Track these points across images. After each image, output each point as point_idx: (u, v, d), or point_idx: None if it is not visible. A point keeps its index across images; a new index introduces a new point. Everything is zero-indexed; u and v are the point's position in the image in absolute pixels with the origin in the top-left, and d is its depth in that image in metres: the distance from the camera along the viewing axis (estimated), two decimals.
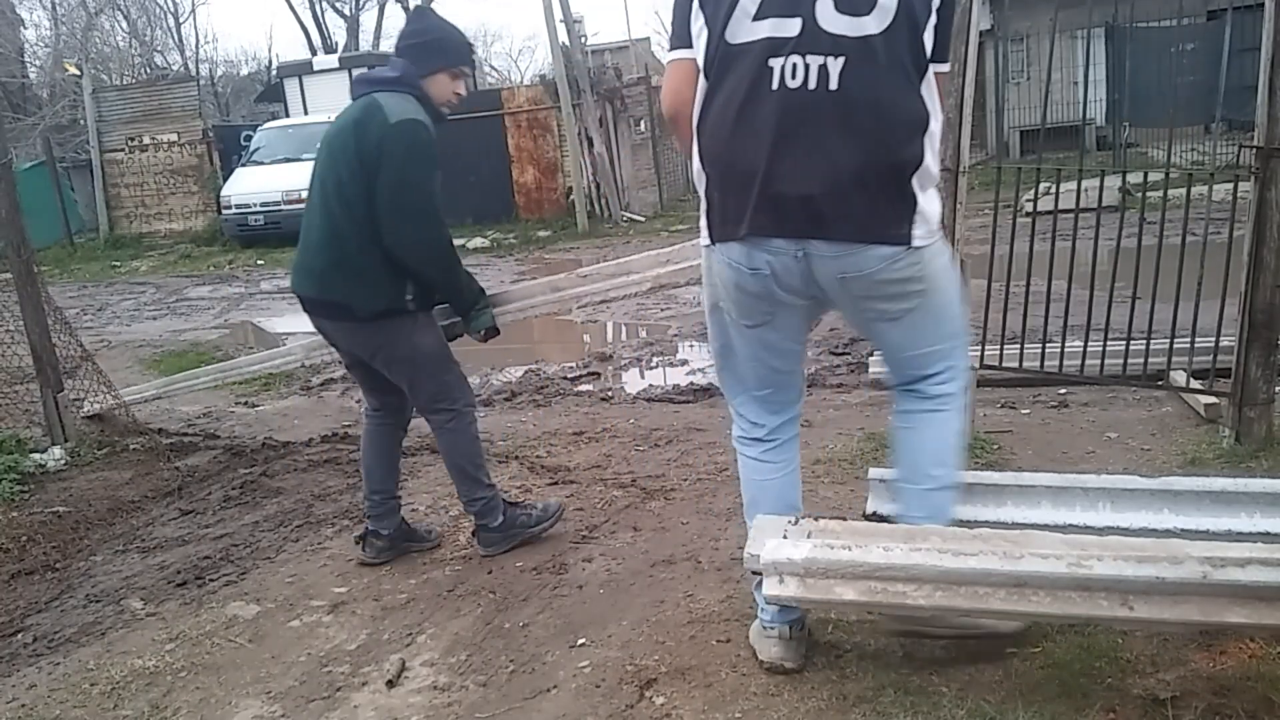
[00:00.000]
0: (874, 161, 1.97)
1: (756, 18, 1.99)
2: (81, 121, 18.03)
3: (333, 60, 19.05)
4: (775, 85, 1.98)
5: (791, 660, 2.27)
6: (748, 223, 2.04)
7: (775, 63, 1.98)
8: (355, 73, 3.27)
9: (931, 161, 2.02)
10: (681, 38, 2.13)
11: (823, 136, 1.97)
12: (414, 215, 2.79)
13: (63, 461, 4.50)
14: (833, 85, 1.95)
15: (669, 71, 2.19)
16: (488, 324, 3.08)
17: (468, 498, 3.13)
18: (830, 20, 1.95)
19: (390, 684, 2.46)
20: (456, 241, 2.97)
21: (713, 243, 2.15)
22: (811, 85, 1.96)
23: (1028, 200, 7.66)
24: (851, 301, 2.15)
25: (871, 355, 5.20)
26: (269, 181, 15.32)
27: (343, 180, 2.80)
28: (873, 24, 1.94)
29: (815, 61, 1.95)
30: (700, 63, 2.08)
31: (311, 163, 2.97)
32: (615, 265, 3.43)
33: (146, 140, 17.15)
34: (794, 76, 1.96)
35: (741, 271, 2.11)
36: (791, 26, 1.97)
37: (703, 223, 2.17)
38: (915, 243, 2.03)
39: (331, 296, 2.90)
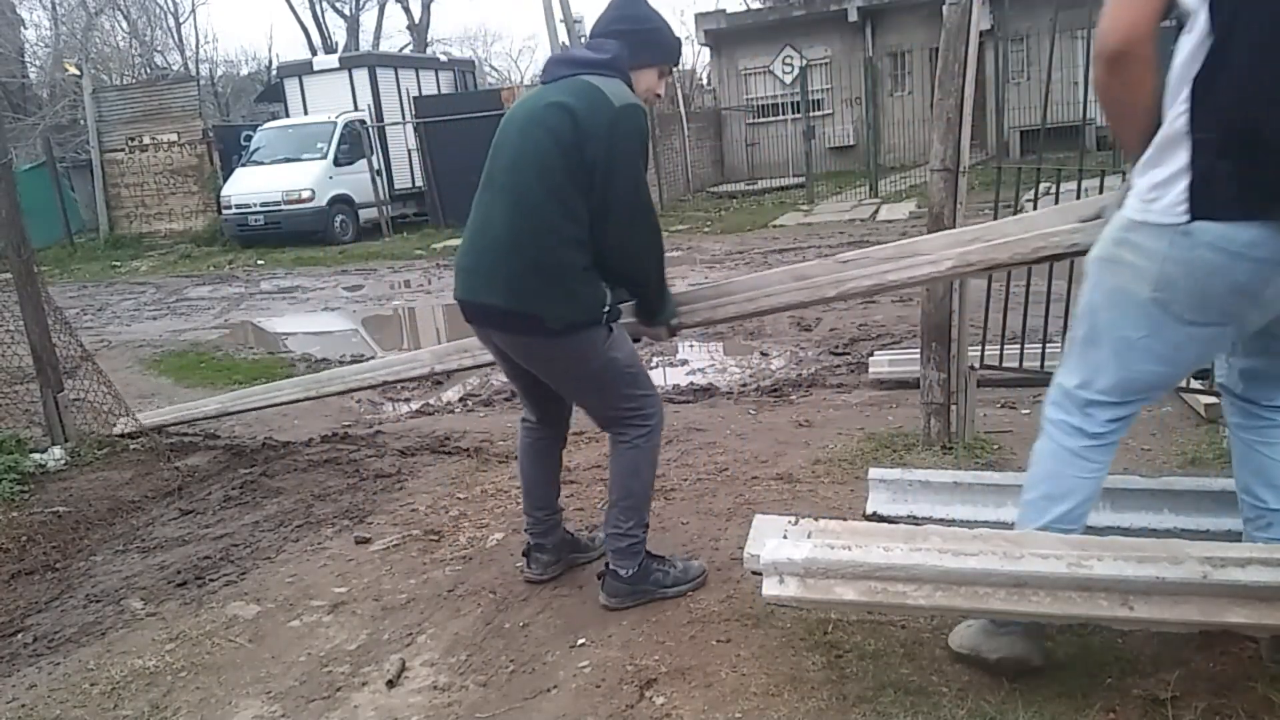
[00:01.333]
0: None
1: None
2: (81, 121, 18.05)
3: (333, 60, 19.03)
4: None
5: (1037, 657, 2.12)
6: None
7: None
8: (556, 54, 2.80)
9: None
10: None
11: None
12: (646, 212, 2.52)
13: (63, 461, 4.50)
14: None
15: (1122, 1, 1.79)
16: (672, 313, 2.79)
17: (619, 528, 2.70)
18: None
19: (390, 684, 2.46)
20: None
21: (1195, 218, 1.78)
22: None
23: (1028, 200, 7.66)
24: None
25: (872, 355, 5.21)
26: (269, 181, 15.35)
27: (552, 170, 2.44)
28: None
29: None
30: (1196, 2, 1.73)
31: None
32: (894, 247, 2.81)
33: (146, 140, 17.18)
34: None
35: (1241, 258, 1.77)
36: None
37: (1177, 197, 1.80)
38: None
39: (520, 306, 2.50)
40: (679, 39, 2.71)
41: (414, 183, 17.01)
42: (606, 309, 2.54)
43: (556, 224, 2.45)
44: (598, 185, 2.42)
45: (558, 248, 2.46)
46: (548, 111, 2.47)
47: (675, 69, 2.68)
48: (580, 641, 2.56)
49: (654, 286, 2.67)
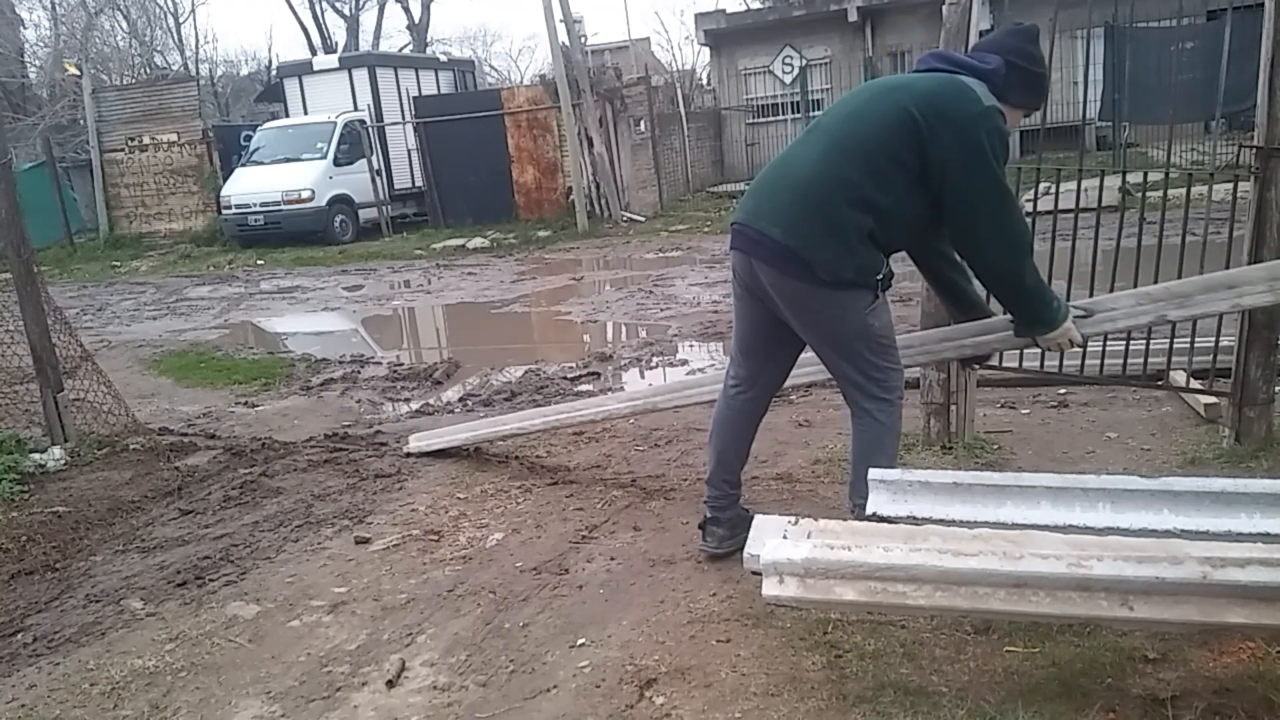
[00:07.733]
0: None
1: None
2: (81, 121, 18.06)
3: (333, 60, 19.02)
4: None
5: None
6: None
7: None
8: (925, 53, 2.75)
9: None
10: None
11: None
12: (1004, 211, 2.48)
13: (63, 461, 4.50)
14: None
15: None
16: (1064, 316, 2.67)
17: (863, 502, 2.58)
18: None
19: (390, 684, 2.46)
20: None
21: None
22: None
23: (1028, 200, 7.66)
24: None
25: None
26: (269, 181, 15.35)
27: (886, 137, 2.46)
28: None
29: None
30: None
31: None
32: None
33: (146, 140, 17.19)
34: None
35: None
36: None
37: None
38: None
39: (796, 246, 2.51)
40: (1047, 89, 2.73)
41: (414, 183, 17.01)
42: (880, 276, 2.56)
43: (859, 183, 2.47)
44: (950, 177, 2.44)
45: (850, 205, 2.47)
46: (912, 90, 2.50)
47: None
48: (580, 641, 2.56)
49: (1027, 290, 2.62)
